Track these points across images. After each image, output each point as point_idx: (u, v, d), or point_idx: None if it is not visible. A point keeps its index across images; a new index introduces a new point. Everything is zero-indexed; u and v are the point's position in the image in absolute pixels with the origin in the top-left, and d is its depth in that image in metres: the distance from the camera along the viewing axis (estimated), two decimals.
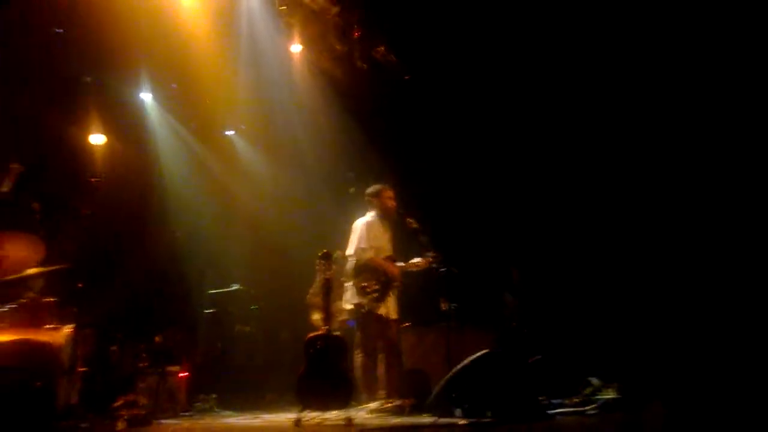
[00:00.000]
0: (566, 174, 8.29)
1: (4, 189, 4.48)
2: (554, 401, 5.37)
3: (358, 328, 5.87)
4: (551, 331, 7.31)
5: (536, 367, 5.77)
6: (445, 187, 8.87)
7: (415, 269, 5.94)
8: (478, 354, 4.86)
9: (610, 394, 5.68)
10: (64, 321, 4.94)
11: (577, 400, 5.50)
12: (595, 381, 5.72)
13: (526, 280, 7.61)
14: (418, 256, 5.98)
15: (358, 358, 5.75)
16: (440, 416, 4.71)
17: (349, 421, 4.55)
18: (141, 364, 6.14)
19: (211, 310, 7.86)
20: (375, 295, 5.68)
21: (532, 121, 8.42)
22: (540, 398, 5.07)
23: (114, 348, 6.12)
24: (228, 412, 6.52)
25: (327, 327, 4.90)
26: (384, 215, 5.99)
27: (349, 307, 5.92)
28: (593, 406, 5.24)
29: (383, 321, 5.77)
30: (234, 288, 7.93)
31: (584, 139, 8.07)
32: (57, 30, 7.30)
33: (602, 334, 7.26)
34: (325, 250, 5.21)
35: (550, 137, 8.32)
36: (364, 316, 5.73)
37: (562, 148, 8.28)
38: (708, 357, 6.57)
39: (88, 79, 7.65)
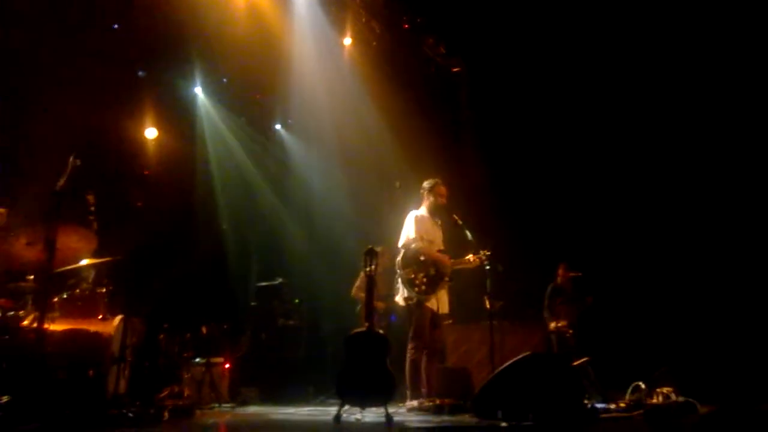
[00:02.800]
0: (615, 174, 8.10)
1: (61, 182, 4.60)
2: (599, 405, 5.23)
3: (410, 322, 5.78)
4: (600, 332, 7.16)
5: (581, 370, 5.63)
6: (496, 183, 8.77)
7: (468, 266, 5.84)
8: (522, 356, 4.76)
9: (658, 399, 5.50)
10: (114, 311, 5.10)
11: (623, 404, 5.34)
12: (642, 385, 5.53)
13: (576, 280, 7.44)
14: (467, 254, 5.87)
15: (409, 352, 5.68)
16: (481, 418, 4.64)
17: (388, 419, 4.53)
18: (186, 354, 6.27)
19: (255, 303, 7.97)
20: (423, 287, 5.60)
21: (587, 119, 8.25)
22: (584, 401, 4.94)
23: (161, 338, 6.26)
24: (269, 405, 6.62)
25: (368, 323, 4.88)
26: (435, 210, 5.94)
27: (399, 300, 5.86)
28: (640, 411, 5.07)
29: (433, 315, 5.70)
30: (279, 281, 8.02)
31: (641, 141, 7.89)
32: (113, 26, 7.52)
33: (652, 337, 7.08)
34: (369, 246, 5.16)
35: (604, 135, 8.14)
36: (414, 309, 5.67)
37: (616, 146, 8.08)
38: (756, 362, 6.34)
39: (142, 73, 7.85)
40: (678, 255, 7.60)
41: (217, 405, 6.23)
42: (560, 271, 7.63)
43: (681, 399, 5.31)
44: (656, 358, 6.03)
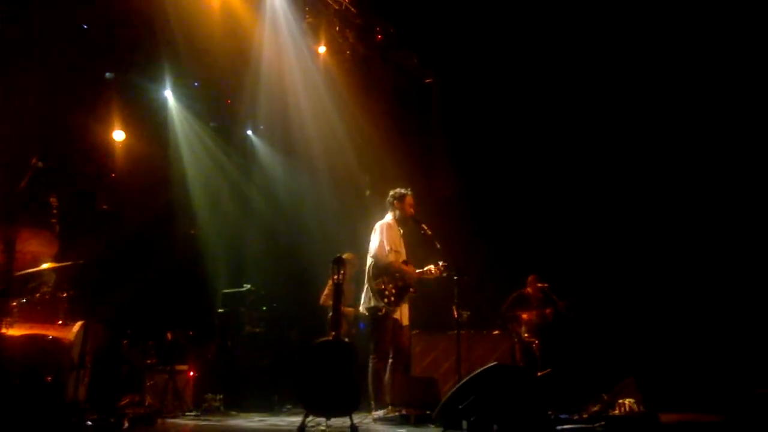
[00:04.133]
0: (583, 187, 8.27)
1: (22, 184, 4.51)
2: (562, 416, 5.29)
3: (372, 332, 5.79)
4: (566, 344, 7.25)
5: (545, 381, 5.70)
6: (466, 193, 8.86)
7: (429, 276, 5.88)
8: (487, 366, 4.79)
9: (620, 410, 5.59)
10: (75, 316, 4.99)
11: (585, 415, 5.41)
12: (605, 397, 5.61)
13: (544, 291, 7.53)
14: (430, 264, 5.92)
15: (371, 363, 5.69)
16: (446, 428, 4.66)
17: (353, 429, 4.52)
18: (149, 361, 6.16)
19: (222, 310, 7.88)
20: (393, 298, 5.62)
21: (558, 129, 8.40)
22: (548, 413, 5.00)
23: (124, 344, 6.15)
24: (234, 413, 6.54)
25: (334, 332, 4.86)
26: (402, 220, 5.96)
27: (362, 309, 5.86)
28: (602, 423, 5.15)
29: (396, 326, 5.72)
30: (246, 288, 7.94)
31: (608, 154, 8.07)
32: (81, 26, 7.39)
33: (615, 348, 7.20)
34: (338, 255, 5.16)
35: (573, 146, 8.30)
36: (380, 320, 5.66)
37: (584, 158, 8.26)
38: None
39: (110, 75, 7.73)
40: (643, 266, 7.77)
41: (180, 413, 6.13)
42: (529, 280, 7.71)
43: (642, 410, 5.40)
44: (621, 369, 6.15)
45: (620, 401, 5.56)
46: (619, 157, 8.06)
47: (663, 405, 5.63)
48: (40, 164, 4.65)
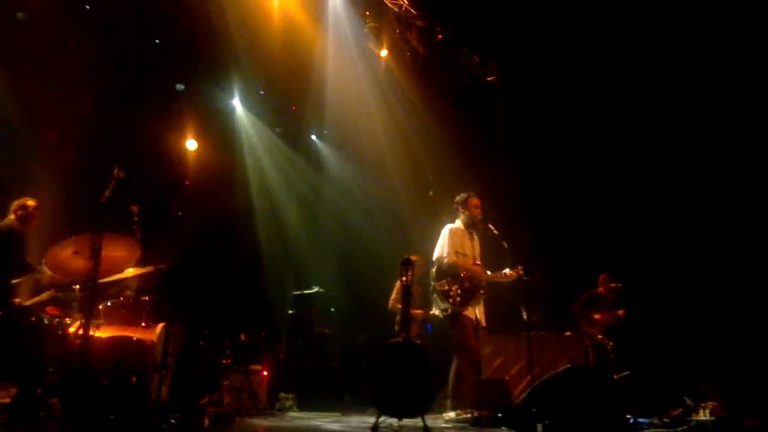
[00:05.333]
0: (658, 182, 7.95)
1: (106, 193, 4.73)
2: (641, 420, 5.11)
3: (452, 334, 5.79)
4: (644, 346, 7.00)
5: (623, 384, 5.52)
6: (532, 193, 8.69)
7: (504, 280, 5.82)
8: (562, 368, 4.69)
9: (703, 415, 5.37)
10: (156, 319, 5.21)
11: (666, 420, 5.21)
12: (687, 400, 5.41)
13: (617, 292, 7.29)
14: (504, 266, 5.86)
15: (454, 363, 5.69)
16: (520, 431, 4.59)
17: (426, 430, 4.51)
18: (225, 362, 6.35)
19: (292, 311, 8.04)
20: (458, 299, 5.62)
21: (626, 127, 8.13)
22: (626, 416, 4.84)
23: (200, 345, 6.36)
24: (307, 412, 6.65)
25: (405, 333, 4.87)
26: (470, 223, 5.94)
27: (436, 311, 5.88)
28: (684, 427, 4.94)
29: (470, 326, 5.69)
30: (315, 290, 8.07)
31: (686, 148, 7.74)
32: (155, 40, 7.73)
33: (700, 351, 6.89)
34: (406, 256, 5.16)
35: (644, 144, 8.01)
36: (452, 320, 5.66)
37: (659, 155, 7.95)
38: None
39: (181, 86, 8.04)
40: (725, 269, 7.40)
41: (255, 412, 6.29)
42: (601, 279, 7.48)
43: (726, 414, 5.17)
44: (701, 372, 5.90)
45: (703, 405, 5.35)
46: (702, 150, 7.69)
47: (745, 409, 5.36)
48: (121, 174, 4.87)
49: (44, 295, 5.18)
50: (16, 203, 5.47)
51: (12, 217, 5.43)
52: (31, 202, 5.50)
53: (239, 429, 4.84)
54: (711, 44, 7.43)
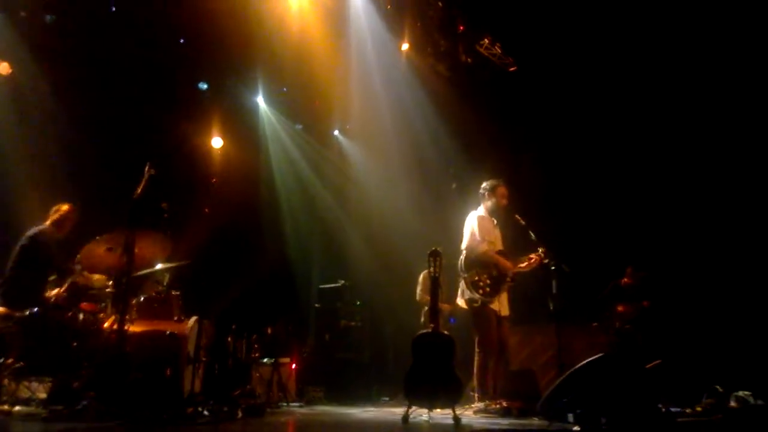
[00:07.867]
0: (684, 170, 7.82)
1: (138, 191, 4.81)
2: (674, 409, 5.07)
3: (475, 325, 5.75)
4: (674, 334, 6.92)
5: (655, 373, 5.47)
6: (557, 184, 8.62)
7: (527, 267, 5.75)
8: (594, 357, 4.66)
9: (737, 403, 5.30)
10: (188, 313, 5.29)
11: (699, 408, 5.16)
12: (720, 389, 5.33)
13: (647, 281, 7.22)
14: (529, 254, 5.78)
15: (477, 355, 5.67)
16: (551, 421, 4.57)
17: (457, 421, 4.52)
18: (254, 355, 6.43)
19: (318, 305, 8.10)
20: (488, 289, 5.56)
21: (652, 117, 8.01)
22: (659, 405, 4.80)
23: (229, 339, 6.45)
24: (336, 404, 6.70)
25: (434, 325, 4.88)
26: (494, 211, 5.88)
27: (460, 302, 5.83)
28: (719, 415, 4.88)
29: (493, 319, 5.65)
30: (341, 283, 8.12)
31: (709, 136, 7.60)
32: (180, 40, 7.83)
33: (731, 339, 6.80)
34: (434, 248, 5.15)
35: (671, 133, 7.88)
36: (479, 312, 5.60)
37: (684, 143, 7.82)
38: None
39: (204, 85, 8.14)
40: (751, 254, 7.27)
41: (285, 404, 6.37)
42: (628, 272, 7.43)
43: (759, 402, 5.10)
44: (729, 361, 5.81)
45: (735, 394, 5.28)
46: (725, 142, 7.56)
47: None
48: (152, 172, 4.95)
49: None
50: (53, 209, 5.58)
51: (48, 222, 5.53)
52: (66, 207, 5.60)
53: (271, 420, 4.90)
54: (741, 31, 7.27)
